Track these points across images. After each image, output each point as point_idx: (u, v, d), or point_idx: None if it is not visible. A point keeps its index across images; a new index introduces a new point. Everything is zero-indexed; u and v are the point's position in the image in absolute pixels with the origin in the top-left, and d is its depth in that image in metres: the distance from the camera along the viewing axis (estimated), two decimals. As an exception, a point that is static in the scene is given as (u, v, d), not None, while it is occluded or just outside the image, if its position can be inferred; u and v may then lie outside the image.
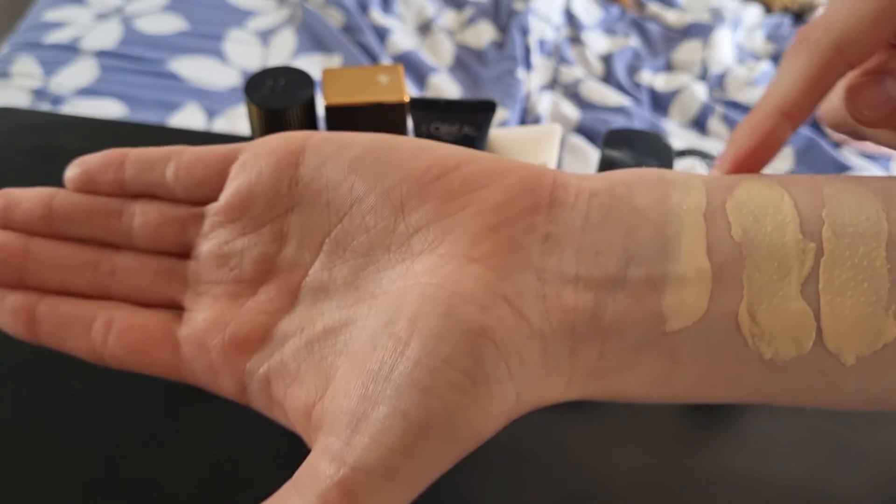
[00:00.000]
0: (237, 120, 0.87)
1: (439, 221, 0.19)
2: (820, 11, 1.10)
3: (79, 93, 0.87)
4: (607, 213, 0.18)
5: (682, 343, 0.18)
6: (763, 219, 0.18)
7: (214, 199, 0.21)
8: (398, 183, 0.19)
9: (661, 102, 0.97)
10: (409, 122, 0.37)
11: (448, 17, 1.07)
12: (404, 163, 0.19)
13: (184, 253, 0.22)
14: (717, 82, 0.99)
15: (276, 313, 0.20)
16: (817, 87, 0.19)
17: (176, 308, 0.22)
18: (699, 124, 0.95)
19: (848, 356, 0.17)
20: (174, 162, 0.21)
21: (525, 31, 1.01)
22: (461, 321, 0.17)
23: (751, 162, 0.20)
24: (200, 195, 0.22)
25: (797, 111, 0.20)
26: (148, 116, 0.85)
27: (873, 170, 0.89)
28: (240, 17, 1.01)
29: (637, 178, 0.19)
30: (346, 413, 0.17)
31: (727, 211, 0.18)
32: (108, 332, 0.21)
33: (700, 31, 1.04)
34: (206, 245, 0.21)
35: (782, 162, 0.90)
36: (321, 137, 0.20)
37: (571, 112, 0.92)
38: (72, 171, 0.22)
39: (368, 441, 0.17)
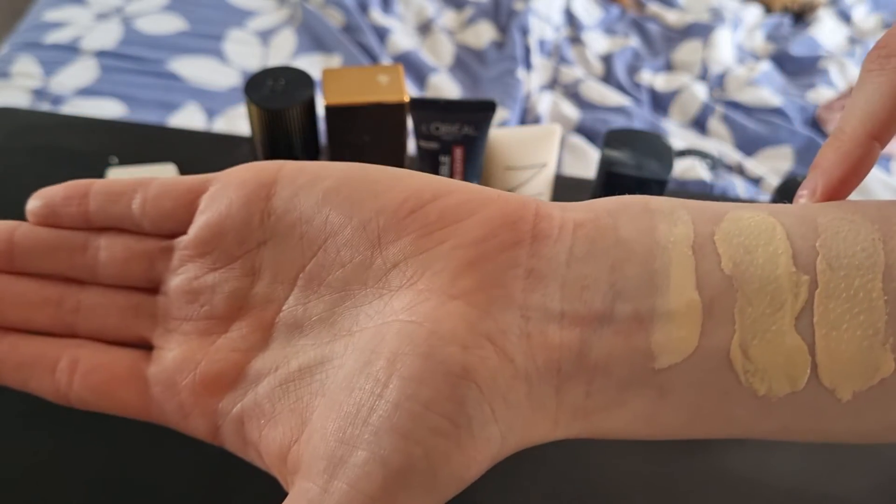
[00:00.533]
0: (237, 120, 0.87)
1: (417, 256, 0.18)
2: (819, 12, 1.10)
3: (79, 93, 0.87)
4: (592, 245, 0.18)
5: (672, 380, 0.17)
6: (754, 250, 0.17)
7: (183, 231, 0.21)
8: (374, 215, 0.18)
9: (660, 102, 0.97)
10: (409, 122, 0.37)
11: (448, 17, 1.07)
12: (379, 194, 0.19)
13: (152, 288, 0.21)
14: (717, 82, 0.99)
15: (248, 351, 0.20)
16: None
17: (144, 346, 0.21)
18: (699, 124, 0.95)
19: (844, 392, 0.17)
20: (140, 194, 0.21)
21: (525, 31, 1.01)
22: (442, 362, 0.16)
23: (842, 190, 0.19)
24: (168, 228, 0.21)
25: (887, 133, 0.19)
26: (148, 116, 0.85)
27: (873, 169, 0.89)
28: (240, 17, 1.01)
29: (621, 207, 0.19)
30: (323, 457, 0.17)
31: (716, 243, 0.17)
32: (73, 373, 0.20)
33: (700, 31, 1.04)
34: (176, 280, 0.21)
35: (783, 162, 0.90)
36: (293, 168, 0.20)
37: (571, 112, 0.92)
38: (33, 204, 0.21)
39: (347, 488, 0.16)
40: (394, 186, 0.19)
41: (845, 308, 0.17)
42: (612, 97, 0.94)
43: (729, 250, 0.17)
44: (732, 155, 0.89)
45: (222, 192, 0.20)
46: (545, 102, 0.93)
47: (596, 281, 0.17)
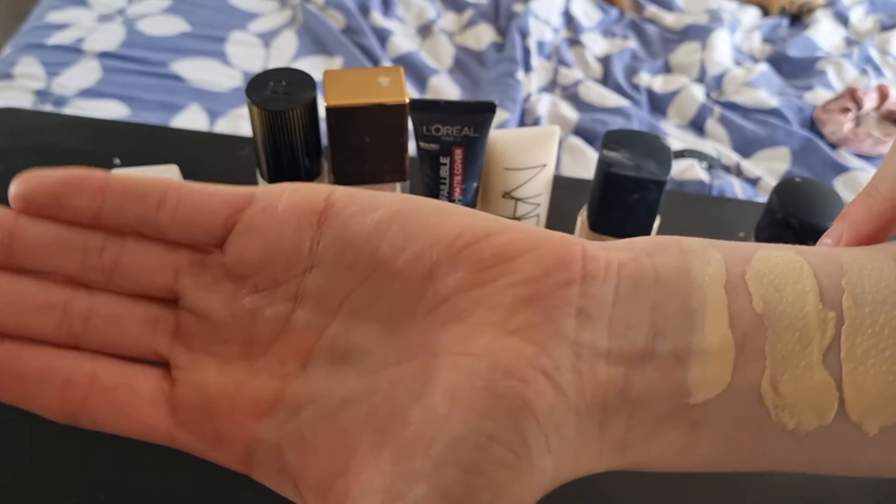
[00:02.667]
0: (239, 121, 0.87)
1: (470, 291, 0.18)
2: (817, 14, 1.10)
3: (81, 94, 0.88)
4: (634, 285, 0.18)
5: (706, 415, 0.18)
6: (783, 289, 0.18)
7: (212, 244, 0.19)
8: (428, 248, 0.18)
9: (659, 104, 0.97)
10: (410, 124, 0.38)
11: (448, 19, 1.08)
12: (432, 228, 0.19)
13: (170, 301, 0.20)
14: (715, 84, 0.99)
15: (288, 377, 0.19)
16: None
17: (160, 363, 0.20)
18: (697, 125, 0.95)
19: (871, 426, 0.17)
20: (171, 199, 0.19)
21: (524, 33, 1.01)
22: (504, 395, 0.17)
23: (867, 242, 0.20)
24: (198, 239, 0.19)
25: None
26: (150, 118, 0.86)
27: (871, 170, 0.89)
28: (241, 19, 1.02)
29: (658, 247, 0.19)
30: (378, 491, 0.17)
31: (747, 282, 0.18)
32: (89, 389, 0.18)
33: (698, 33, 1.05)
34: (210, 300, 0.19)
35: (780, 163, 0.90)
36: (344, 195, 0.19)
37: (570, 113, 0.93)
38: (23, 188, 0.18)
39: None
40: (446, 220, 0.19)
41: (871, 343, 0.17)
42: (611, 98, 0.94)
43: (759, 289, 0.18)
44: (730, 156, 0.89)
45: (269, 214, 0.19)
46: (544, 104, 0.94)
47: (639, 320, 0.18)
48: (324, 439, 0.18)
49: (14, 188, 0.18)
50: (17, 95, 0.87)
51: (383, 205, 0.19)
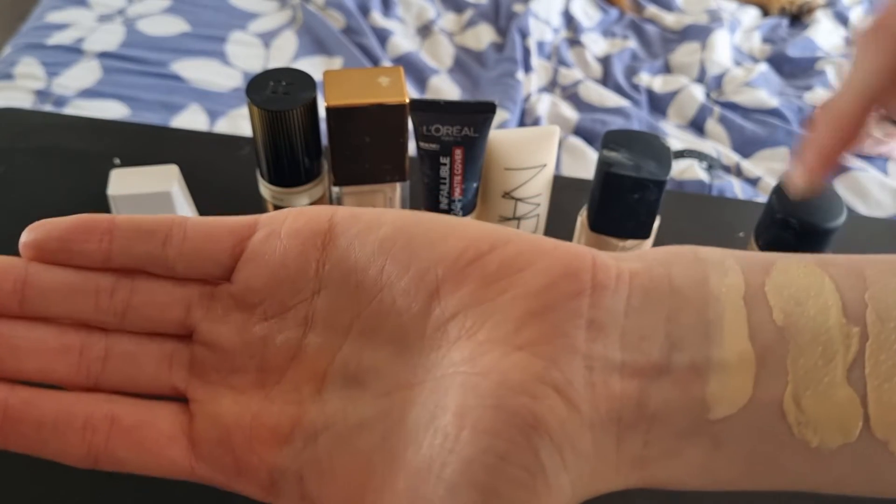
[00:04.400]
0: (239, 121, 0.87)
1: (477, 306, 0.18)
2: (817, 14, 1.11)
3: (81, 94, 0.88)
4: (647, 296, 0.18)
5: (726, 431, 0.17)
6: (805, 302, 0.17)
7: (221, 276, 0.19)
8: (433, 265, 0.18)
9: (659, 104, 0.97)
10: (410, 124, 0.38)
11: (448, 20, 1.08)
12: (436, 244, 0.18)
13: (183, 335, 0.20)
14: (715, 84, 0.99)
15: (303, 403, 0.19)
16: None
17: (178, 397, 0.20)
18: (697, 125, 0.95)
19: None
20: (177, 235, 0.19)
21: (524, 34, 1.02)
22: (514, 413, 0.16)
23: (837, 153, 0.19)
24: (207, 272, 0.19)
25: (881, 102, 0.19)
26: (150, 118, 0.86)
27: (871, 170, 0.89)
28: (241, 19, 1.02)
29: (673, 257, 0.19)
30: None
31: (767, 294, 0.18)
32: (110, 431, 0.18)
33: (698, 33, 1.05)
34: (221, 331, 0.19)
35: (780, 163, 0.91)
36: (346, 215, 0.19)
37: (570, 113, 0.93)
38: (34, 236, 0.18)
39: None
40: (449, 235, 0.18)
41: None
42: (611, 98, 0.94)
43: (780, 301, 0.18)
44: (730, 156, 0.89)
45: (273, 239, 0.19)
46: (544, 104, 0.94)
47: (653, 331, 0.17)
48: (341, 465, 0.18)
49: (24, 237, 0.18)
50: (17, 95, 0.87)
51: (386, 223, 0.19)
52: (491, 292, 0.18)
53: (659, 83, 0.99)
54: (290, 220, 0.19)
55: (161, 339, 0.20)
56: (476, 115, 0.37)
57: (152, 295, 0.19)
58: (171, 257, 0.19)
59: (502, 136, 0.40)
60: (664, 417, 0.17)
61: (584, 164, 0.85)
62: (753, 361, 0.17)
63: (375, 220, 0.19)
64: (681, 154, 0.87)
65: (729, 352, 0.17)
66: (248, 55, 0.97)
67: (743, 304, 0.18)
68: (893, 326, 0.17)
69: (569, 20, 1.08)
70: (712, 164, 0.86)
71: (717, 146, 0.91)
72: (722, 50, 1.02)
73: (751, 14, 1.12)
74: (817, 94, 0.98)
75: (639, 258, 0.19)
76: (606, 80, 1.00)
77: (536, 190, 0.41)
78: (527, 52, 1.00)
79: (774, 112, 0.94)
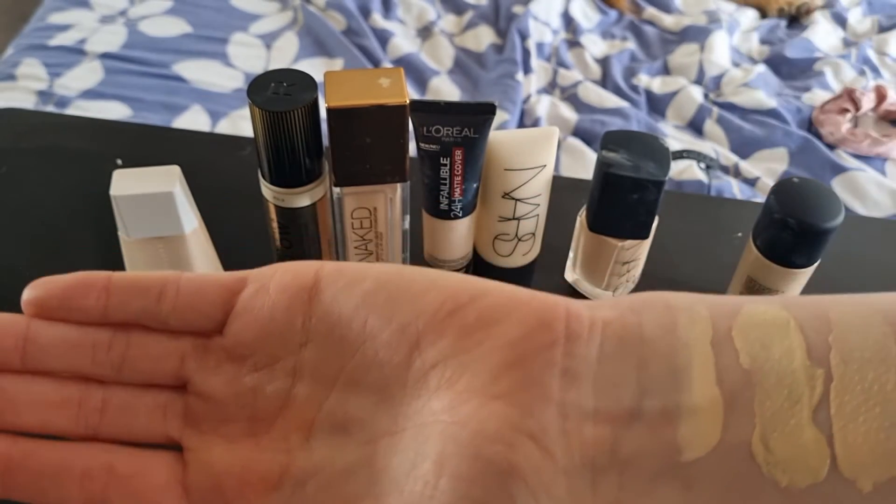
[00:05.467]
0: (240, 122, 0.88)
1: (456, 357, 0.18)
2: (815, 15, 1.11)
3: (83, 95, 0.88)
4: (620, 344, 0.18)
5: (697, 472, 0.18)
6: (770, 346, 0.18)
7: (214, 330, 0.20)
8: (414, 319, 0.19)
9: (657, 105, 0.98)
10: (410, 125, 0.38)
11: (448, 21, 1.08)
12: (417, 298, 0.19)
13: (178, 386, 0.20)
14: (714, 85, 1.00)
15: (292, 451, 0.20)
16: None
17: (171, 446, 0.20)
18: (695, 126, 0.95)
19: (864, 483, 0.17)
20: (170, 290, 0.20)
21: (524, 35, 1.02)
22: (490, 461, 0.17)
23: None
24: (199, 326, 0.20)
25: None
26: (152, 118, 0.86)
27: (869, 171, 0.89)
28: (243, 20, 1.02)
29: (644, 305, 0.19)
30: None
31: (734, 338, 0.18)
32: (107, 481, 0.19)
33: (696, 35, 1.05)
34: (213, 382, 0.20)
35: (778, 163, 0.91)
36: (332, 270, 0.20)
37: (569, 114, 0.93)
38: (35, 294, 0.19)
39: None
40: (430, 289, 0.19)
41: (860, 401, 0.17)
42: (610, 99, 0.95)
43: (746, 346, 0.18)
44: (728, 156, 0.89)
45: (262, 295, 0.20)
46: (544, 105, 0.94)
47: (625, 378, 0.18)
48: None
49: (26, 294, 0.19)
50: (19, 96, 0.87)
51: (369, 277, 0.20)
52: (469, 343, 0.19)
53: (658, 84, 0.99)
54: (279, 275, 0.20)
55: (156, 391, 0.20)
56: (476, 116, 0.37)
57: (147, 348, 0.20)
58: (165, 312, 0.20)
59: (502, 136, 0.40)
60: (637, 461, 0.18)
61: (584, 164, 0.86)
62: (722, 405, 0.18)
63: (359, 275, 0.20)
64: (679, 154, 0.87)
65: (698, 396, 0.18)
66: (249, 56, 0.97)
67: (710, 349, 0.18)
68: (856, 368, 0.18)
69: (568, 21, 1.08)
70: (711, 164, 0.87)
71: (716, 146, 0.91)
72: (720, 51, 1.02)
73: (749, 15, 1.12)
74: (815, 95, 0.98)
75: (612, 306, 0.19)
76: (605, 81, 1.00)
77: (536, 190, 0.41)
78: (526, 54, 1.00)
79: (772, 113, 0.94)
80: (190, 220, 0.38)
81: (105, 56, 0.93)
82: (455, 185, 0.40)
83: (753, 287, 0.39)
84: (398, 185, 0.39)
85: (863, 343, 0.18)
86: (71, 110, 0.86)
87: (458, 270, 0.44)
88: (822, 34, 1.08)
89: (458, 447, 0.17)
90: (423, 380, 0.19)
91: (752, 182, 0.87)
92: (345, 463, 0.19)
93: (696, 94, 0.96)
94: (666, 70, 1.03)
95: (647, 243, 0.40)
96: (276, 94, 0.35)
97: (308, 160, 0.38)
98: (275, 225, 0.40)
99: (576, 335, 0.19)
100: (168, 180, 0.36)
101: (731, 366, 0.18)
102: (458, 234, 0.42)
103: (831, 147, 0.93)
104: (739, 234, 0.49)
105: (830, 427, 0.17)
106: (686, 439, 0.18)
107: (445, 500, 0.17)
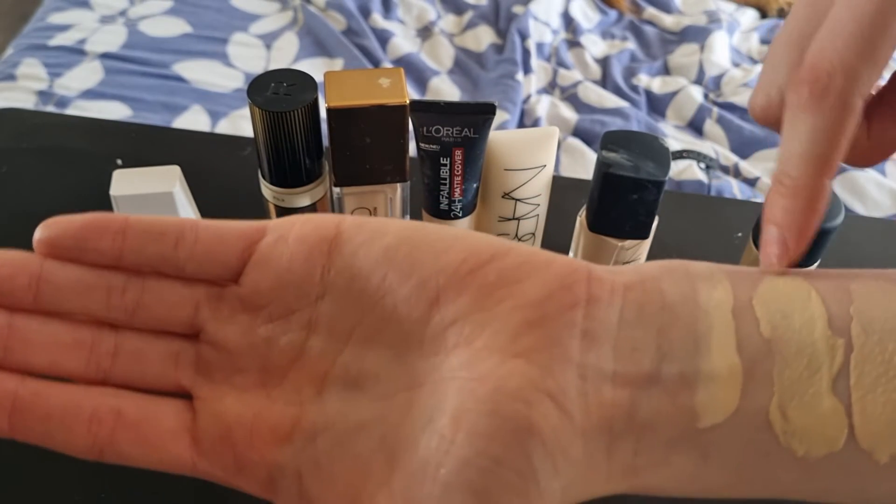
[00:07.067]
0: (241, 122, 0.88)
1: (475, 315, 0.18)
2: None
3: (83, 95, 0.88)
4: (640, 309, 0.18)
5: (714, 439, 0.18)
6: (791, 315, 0.18)
7: (230, 279, 0.20)
8: (434, 274, 0.19)
9: (657, 105, 0.98)
10: (410, 125, 0.38)
11: (448, 21, 1.08)
12: (438, 254, 0.19)
13: (191, 334, 0.20)
14: (714, 85, 1.00)
15: (304, 404, 0.19)
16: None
17: (182, 395, 0.20)
18: (695, 126, 0.95)
19: (881, 454, 0.17)
20: (188, 237, 0.19)
21: (524, 35, 1.02)
22: (509, 419, 0.17)
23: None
24: (216, 274, 0.20)
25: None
26: (152, 118, 0.86)
27: (869, 171, 0.89)
28: (243, 20, 1.02)
29: (665, 271, 0.19)
30: None
31: (754, 307, 0.18)
32: (115, 425, 0.19)
33: (696, 35, 1.05)
34: (228, 331, 0.20)
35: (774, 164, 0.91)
36: (353, 223, 0.20)
37: (569, 114, 0.93)
38: (47, 233, 0.19)
39: None
40: (452, 246, 0.19)
41: (881, 371, 0.17)
42: (610, 99, 0.95)
43: (767, 314, 0.18)
44: (728, 156, 0.89)
45: (281, 244, 0.20)
46: (544, 105, 0.94)
47: (644, 343, 0.18)
48: (339, 465, 0.19)
49: (38, 233, 0.19)
50: (19, 96, 0.87)
51: (390, 232, 0.19)
52: (489, 302, 0.18)
53: (658, 84, 0.99)
54: (298, 226, 0.20)
55: (169, 338, 0.20)
56: (476, 116, 0.38)
57: (162, 294, 0.20)
58: (182, 258, 0.19)
59: (502, 136, 0.40)
60: (654, 426, 0.18)
61: (584, 164, 0.86)
62: (741, 372, 0.18)
63: (380, 230, 0.20)
64: (679, 154, 0.87)
65: (717, 363, 0.18)
66: (249, 56, 0.97)
67: (731, 317, 0.18)
68: (877, 339, 0.18)
69: (568, 21, 1.08)
70: (711, 164, 0.87)
71: (716, 146, 0.91)
72: (720, 51, 1.02)
73: (749, 15, 1.12)
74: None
75: (633, 272, 0.19)
76: (605, 81, 1.00)
77: (536, 190, 0.41)
78: (526, 54, 1.00)
79: (773, 113, 0.94)
80: (190, 220, 0.38)
81: (105, 56, 0.93)
82: (455, 185, 0.40)
83: (753, 287, 0.39)
84: (398, 185, 0.39)
85: (884, 314, 0.18)
86: (71, 110, 0.86)
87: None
88: (822, 34, 1.08)
89: (476, 403, 0.17)
90: (442, 336, 0.19)
91: (752, 182, 0.87)
92: (358, 418, 0.19)
93: (696, 94, 0.96)
94: (666, 70, 1.03)
95: (647, 243, 0.40)
96: (277, 94, 0.35)
97: (308, 160, 0.38)
98: (275, 225, 0.40)
99: (597, 298, 0.18)
100: (168, 180, 0.36)
101: (751, 334, 0.18)
102: (458, 234, 0.42)
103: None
104: (739, 234, 0.49)
105: (849, 397, 0.17)
106: (703, 405, 0.18)
107: (462, 454, 0.16)
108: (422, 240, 0.19)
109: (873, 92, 0.21)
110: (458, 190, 0.40)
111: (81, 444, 0.19)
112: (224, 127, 0.87)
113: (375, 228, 0.20)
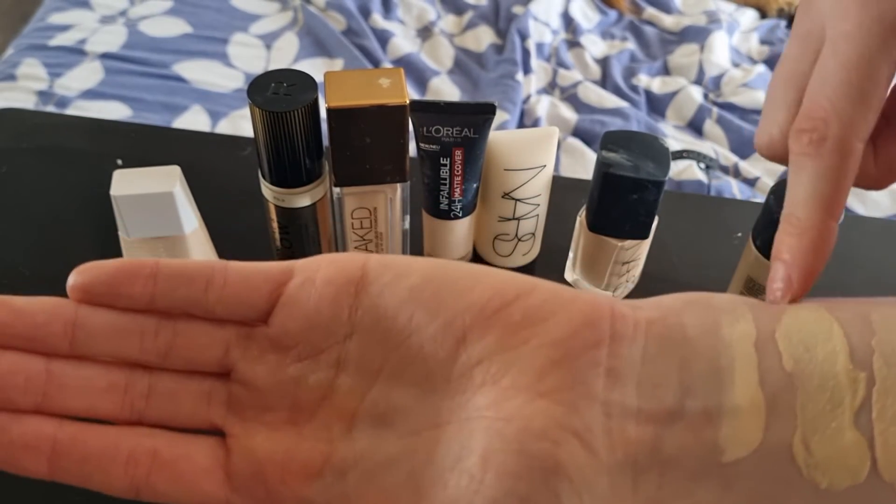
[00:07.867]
0: (241, 122, 0.88)
1: (501, 354, 0.19)
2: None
3: (83, 95, 0.88)
4: (663, 344, 0.19)
5: (737, 473, 0.18)
6: (813, 348, 0.18)
7: (258, 319, 0.20)
8: (460, 314, 0.19)
9: (657, 105, 0.98)
10: (410, 125, 0.38)
11: (448, 21, 1.08)
12: (463, 293, 0.19)
13: (222, 373, 0.21)
14: (714, 85, 1.00)
15: (334, 441, 0.20)
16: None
17: (214, 433, 0.21)
18: (695, 126, 0.95)
19: None
20: (217, 280, 0.20)
21: (524, 35, 1.02)
22: (536, 458, 0.17)
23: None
24: (244, 315, 0.20)
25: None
26: (152, 119, 0.86)
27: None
28: (243, 20, 1.02)
29: (687, 305, 0.20)
30: None
31: (777, 340, 0.18)
32: (151, 465, 0.19)
33: (696, 35, 1.05)
34: (258, 370, 0.20)
35: (776, 164, 0.91)
36: (378, 263, 0.20)
37: (569, 114, 0.93)
38: (81, 279, 0.19)
39: None
40: (476, 285, 0.19)
41: None
42: (610, 100, 0.95)
43: (789, 348, 0.18)
44: (728, 156, 0.90)
45: (308, 286, 0.20)
46: (544, 105, 0.94)
47: (667, 378, 0.18)
48: (368, 500, 0.19)
49: (72, 279, 0.19)
50: (19, 96, 0.87)
51: (415, 271, 0.20)
52: (515, 341, 0.19)
53: (657, 84, 0.99)
54: (325, 267, 0.20)
55: (200, 378, 0.21)
56: (476, 116, 0.38)
57: (193, 336, 0.20)
58: (212, 302, 0.20)
59: (502, 137, 0.40)
60: (678, 461, 0.18)
61: (584, 164, 0.86)
62: (764, 407, 0.18)
63: (405, 269, 0.20)
64: (679, 154, 0.87)
65: (740, 397, 0.18)
66: (249, 56, 0.97)
67: (754, 350, 0.18)
68: None
69: (568, 22, 1.09)
70: (710, 164, 0.87)
71: (716, 147, 0.91)
72: (720, 51, 1.03)
73: (749, 15, 1.12)
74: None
75: (655, 306, 0.20)
76: (605, 81, 1.00)
77: (536, 190, 0.41)
78: (526, 54, 1.00)
79: (773, 113, 0.94)
80: (190, 220, 0.38)
81: (105, 56, 0.93)
82: (455, 185, 0.40)
83: (753, 287, 0.39)
84: (398, 185, 0.39)
85: None
86: (71, 110, 0.86)
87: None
88: (821, 34, 1.08)
89: (503, 443, 0.17)
90: (468, 375, 0.19)
91: (751, 182, 0.87)
92: (386, 454, 0.19)
93: (696, 94, 0.96)
94: (666, 70, 1.03)
95: (647, 243, 0.40)
96: (277, 94, 0.35)
97: (308, 160, 0.38)
98: (275, 225, 0.40)
99: (620, 335, 0.19)
100: (168, 180, 0.36)
101: (773, 368, 0.18)
102: (458, 235, 0.43)
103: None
104: (739, 234, 0.49)
105: (872, 430, 0.17)
106: (727, 440, 0.18)
107: (491, 494, 0.17)
108: (447, 278, 0.20)
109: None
110: (458, 190, 0.40)
111: (119, 485, 0.19)
112: (224, 127, 0.87)
113: (400, 267, 0.20)
